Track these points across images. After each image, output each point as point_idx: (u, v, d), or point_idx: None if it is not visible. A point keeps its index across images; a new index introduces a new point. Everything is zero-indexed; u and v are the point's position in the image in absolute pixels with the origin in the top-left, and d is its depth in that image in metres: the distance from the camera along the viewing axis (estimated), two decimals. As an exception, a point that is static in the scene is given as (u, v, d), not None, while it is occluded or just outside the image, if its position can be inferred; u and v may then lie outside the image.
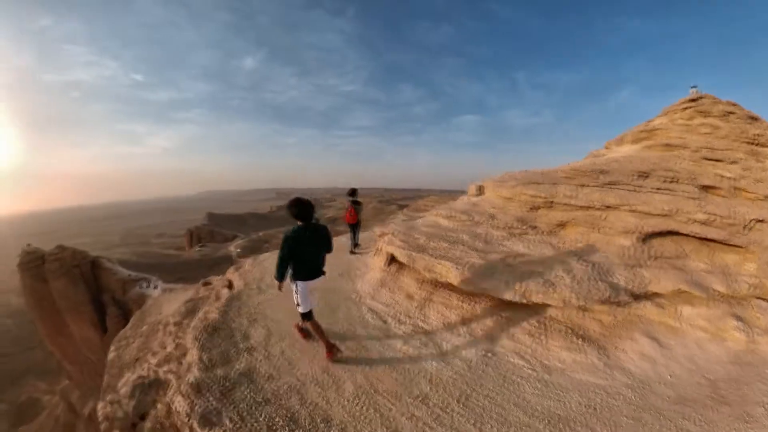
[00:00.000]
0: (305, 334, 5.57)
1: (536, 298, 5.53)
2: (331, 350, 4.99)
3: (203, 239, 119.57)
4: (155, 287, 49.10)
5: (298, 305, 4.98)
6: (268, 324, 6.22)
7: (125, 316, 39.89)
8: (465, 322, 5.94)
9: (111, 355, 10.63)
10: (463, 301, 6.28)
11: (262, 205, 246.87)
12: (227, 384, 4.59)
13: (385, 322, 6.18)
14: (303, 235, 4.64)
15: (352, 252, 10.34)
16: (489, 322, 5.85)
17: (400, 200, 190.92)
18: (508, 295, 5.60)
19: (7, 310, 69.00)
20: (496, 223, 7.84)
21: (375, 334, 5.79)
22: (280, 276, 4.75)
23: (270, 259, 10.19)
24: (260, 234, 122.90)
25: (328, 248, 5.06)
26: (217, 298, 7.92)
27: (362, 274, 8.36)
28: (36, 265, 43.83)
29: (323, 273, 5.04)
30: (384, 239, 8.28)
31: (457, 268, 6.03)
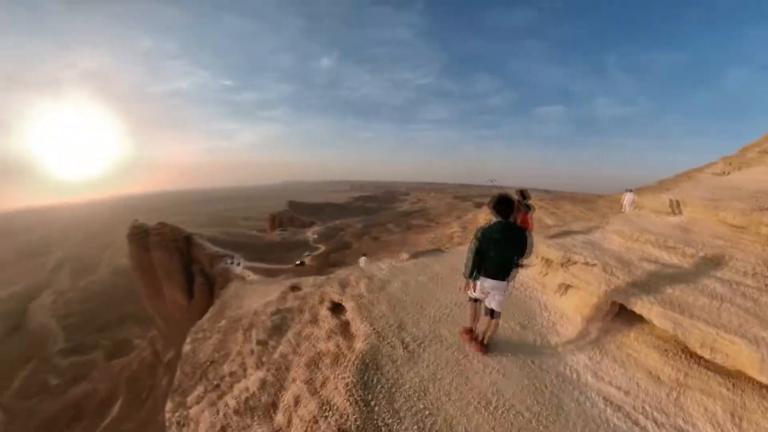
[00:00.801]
0: (471, 336, 5.36)
1: None
2: (469, 335, 5.31)
3: (284, 224, 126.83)
4: (238, 264, 53.48)
5: (469, 289, 4.90)
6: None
7: (210, 287, 45.67)
8: (737, 420, 3.98)
9: (186, 347, 10.73)
10: (724, 386, 4.29)
11: (338, 196, 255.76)
12: None
13: (636, 423, 4.12)
14: (499, 232, 4.51)
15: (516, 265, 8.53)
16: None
17: (476, 197, 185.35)
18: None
19: (119, 270, 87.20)
20: (739, 266, 5.40)
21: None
22: (470, 273, 4.66)
23: (397, 284, 7.77)
24: (336, 222, 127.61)
25: (521, 252, 4.67)
26: (329, 337, 6.20)
27: (556, 326, 6.02)
28: (141, 237, 51.43)
29: (507, 278, 4.70)
30: (574, 268, 6.36)
31: (759, 353, 3.86)
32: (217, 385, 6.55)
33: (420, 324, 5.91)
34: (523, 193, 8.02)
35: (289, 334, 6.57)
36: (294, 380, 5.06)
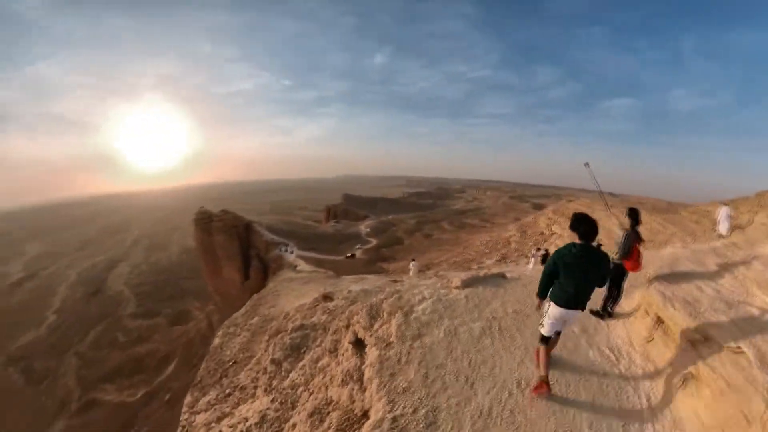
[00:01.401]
0: (548, 388, 4.52)
1: None
2: (542, 385, 4.22)
3: (338, 216, 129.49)
4: (291, 252, 55.56)
5: (541, 325, 4.37)
6: None
7: (264, 270, 48.72)
8: None
9: (216, 341, 10.78)
10: None
11: (392, 191, 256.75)
12: None
13: None
14: (577, 255, 3.97)
15: (601, 313, 5.90)
16: None
17: (534, 197, 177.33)
18: None
19: (185, 249, 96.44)
20: None
21: None
22: (543, 293, 4.28)
23: (440, 332, 5.70)
24: (389, 217, 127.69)
25: (601, 281, 4.22)
26: (345, 381, 5.50)
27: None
28: (206, 222, 56.04)
29: (584, 307, 4.19)
30: (709, 349, 4.04)
31: None
32: (228, 395, 6.37)
33: (462, 419, 3.90)
34: (634, 214, 5.61)
35: (306, 359, 5.79)
36: (294, 427, 4.58)
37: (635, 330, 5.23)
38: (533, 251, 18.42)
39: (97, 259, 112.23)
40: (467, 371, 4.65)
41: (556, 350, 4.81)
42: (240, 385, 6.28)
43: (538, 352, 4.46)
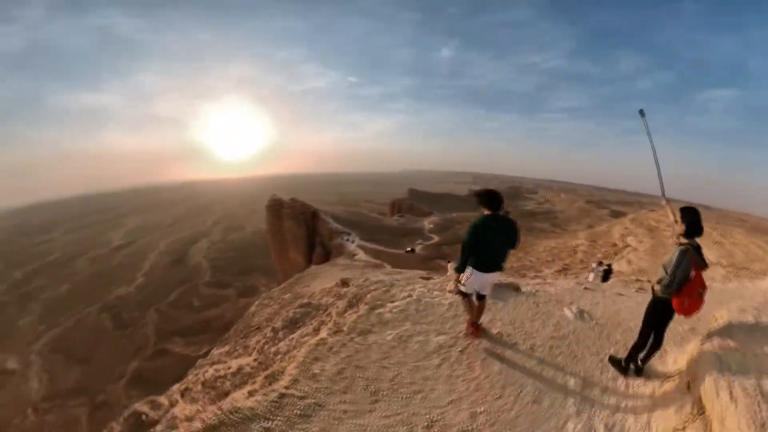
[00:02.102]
0: (477, 329, 5.19)
1: None
2: (470, 326, 5.03)
3: (402, 210, 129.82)
4: (352, 241, 57.13)
5: (461, 284, 4.72)
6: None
7: (326, 256, 50.68)
8: None
9: (251, 309, 11.71)
10: None
11: (459, 187, 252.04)
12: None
13: None
14: (489, 225, 4.36)
15: (623, 365, 4.23)
16: None
17: (613, 204, 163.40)
18: None
19: (258, 231, 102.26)
20: None
21: None
22: (462, 267, 4.55)
23: (391, 335, 5.18)
24: (454, 215, 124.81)
25: (513, 244, 4.62)
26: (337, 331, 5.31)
27: None
28: (276, 208, 60.71)
29: (501, 269, 4.69)
30: None
31: None
32: (235, 351, 6.96)
33: (334, 428, 3.50)
34: (692, 218, 3.50)
35: (296, 333, 5.91)
36: (254, 382, 4.66)
37: (662, 412, 3.37)
38: (594, 264, 16.07)
39: (183, 234, 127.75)
40: (382, 385, 4.06)
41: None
42: (246, 345, 6.81)
43: (463, 305, 5.15)
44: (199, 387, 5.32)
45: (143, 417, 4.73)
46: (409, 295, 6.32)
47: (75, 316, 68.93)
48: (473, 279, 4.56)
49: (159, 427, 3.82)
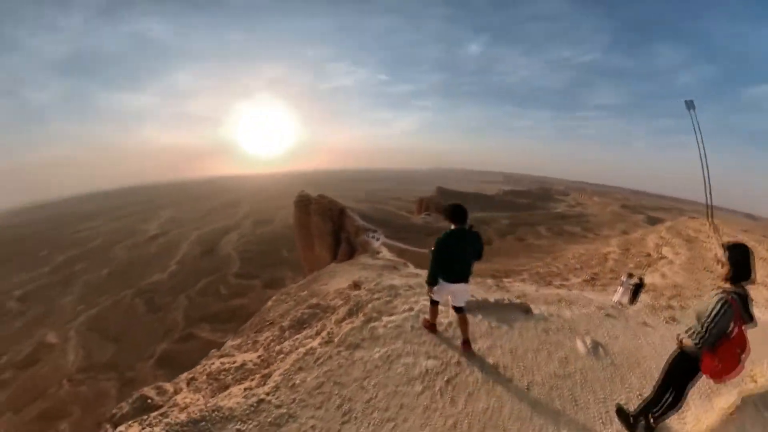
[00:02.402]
0: (433, 327, 5.52)
1: None
2: (427, 322, 5.44)
3: (430, 209, 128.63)
4: (377, 239, 57.16)
5: (432, 293, 5.05)
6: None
7: (351, 253, 51.17)
8: None
9: (269, 303, 12.05)
10: None
11: (488, 187, 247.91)
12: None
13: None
14: (454, 238, 4.64)
15: (632, 421, 3.64)
16: None
17: (650, 209, 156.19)
18: None
19: (286, 226, 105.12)
20: None
21: None
22: (433, 281, 4.82)
23: (378, 352, 4.95)
24: (482, 215, 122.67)
25: (478, 256, 4.86)
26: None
27: None
28: (304, 204, 61.88)
29: (467, 280, 4.87)
30: None
31: None
32: (245, 344, 7.06)
33: None
34: (740, 256, 2.84)
35: (301, 334, 5.92)
36: (253, 379, 4.76)
37: None
38: (624, 277, 14.40)
39: (214, 226, 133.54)
40: (356, 406, 3.93)
41: None
42: (256, 340, 6.90)
43: (429, 312, 5.38)
44: (204, 378, 5.44)
45: (149, 401, 4.98)
46: (410, 309, 6.00)
47: (111, 298, 73.92)
48: (440, 288, 4.83)
49: (155, 413, 4.03)
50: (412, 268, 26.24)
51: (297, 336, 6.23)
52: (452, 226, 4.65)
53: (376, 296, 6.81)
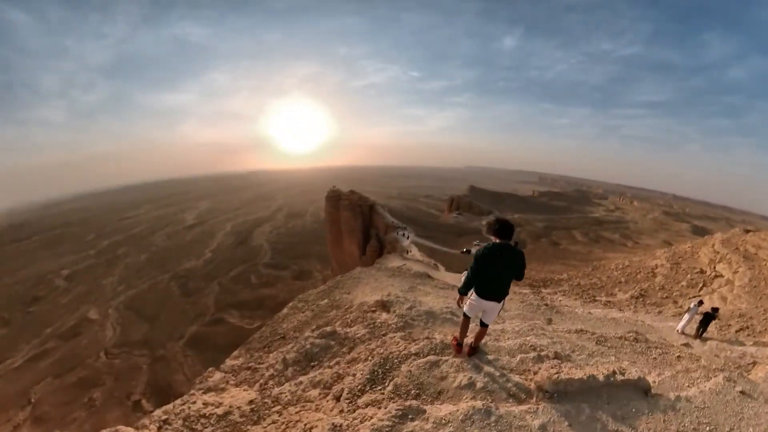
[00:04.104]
0: (459, 348, 5.28)
1: None
2: (455, 343, 5.19)
3: (461, 208, 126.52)
4: (407, 237, 56.61)
5: (463, 305, 4.99)
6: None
7: (380, 249, 51.54)
8: None
9: (284, 311, 10.94)
10: None
11: (522, 187, 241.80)
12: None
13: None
14: (495, 253, 4.45)
15: None
16: None
17: (696, 218, 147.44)
18: None
19: (317, 219, 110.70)
20: None
21: None
22: (465, 290, 4.72)
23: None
24: (515, 216, 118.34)
25: (518, 275, 4.65)
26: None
27: None
28: (335, 199, 61.88)
29: (500, 300, 4.72)
30: None
31: None
32: (244, 369, 6.12)
33: None
34: None
35: (307, 377, 5.05)
36: None
37: None
38: (693, 303, 12.39)
39: (248, 218, 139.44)
40: None
41: None
42: (259, 364, 6.05)
43: (460, 326, 5.22)
44: (180, 423, 4.55)
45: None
46: (473, 398, 4.00)
47: (149, 281, 79.32)
48: (474, 304, 4.77)
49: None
50: (443, 272, 25.28)
51: (301, 379, 5.29)
52: (495, 240, 4.53)
53: (412, 346, 5.42)
